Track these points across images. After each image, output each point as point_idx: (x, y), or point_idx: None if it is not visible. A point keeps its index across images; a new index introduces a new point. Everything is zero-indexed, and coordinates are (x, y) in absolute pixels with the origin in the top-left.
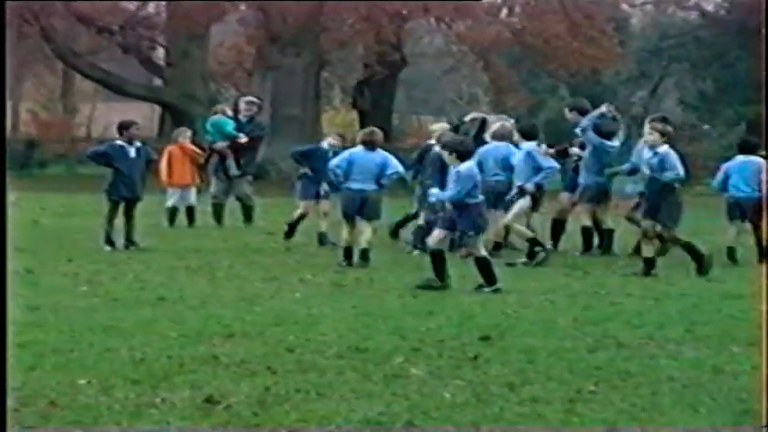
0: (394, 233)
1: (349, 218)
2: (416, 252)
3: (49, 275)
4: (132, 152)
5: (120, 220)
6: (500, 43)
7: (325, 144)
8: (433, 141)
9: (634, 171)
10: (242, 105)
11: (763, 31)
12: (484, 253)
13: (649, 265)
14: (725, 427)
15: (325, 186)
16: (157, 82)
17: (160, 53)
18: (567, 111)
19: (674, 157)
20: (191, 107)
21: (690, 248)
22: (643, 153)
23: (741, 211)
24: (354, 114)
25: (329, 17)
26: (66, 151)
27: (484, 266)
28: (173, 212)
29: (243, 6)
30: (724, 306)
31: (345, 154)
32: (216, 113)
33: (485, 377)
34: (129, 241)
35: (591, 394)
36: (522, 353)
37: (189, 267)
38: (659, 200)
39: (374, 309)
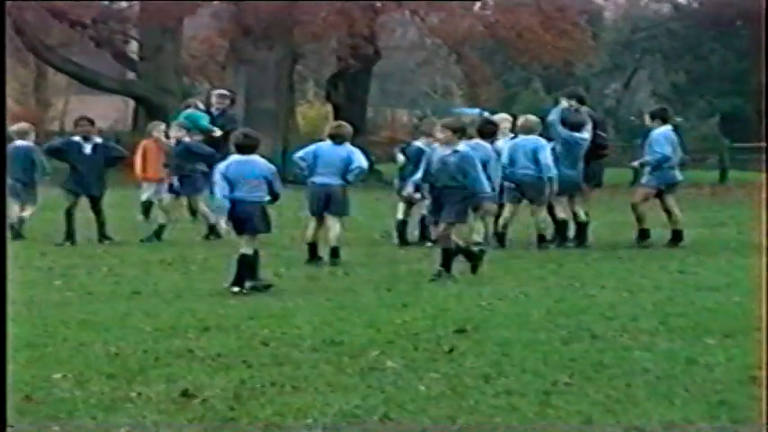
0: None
1: (315, 214)
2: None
3: (23, 269)
4: (88, 149)
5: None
6: (473, 36)
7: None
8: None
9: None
10: (214, 99)
11: (764, 30)
12: (452, 245)
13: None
14: (726, 427)
15: None
16: (131, 75)
17: (133, 46)
18: (563, 99)
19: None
20: (164, 101)
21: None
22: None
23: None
24: (329, 107)
25: (302, 10)
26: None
27: (447, 255)
28: (147, 206)
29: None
30: (698, 298)
31: (312, 147)
32: (188, 107)
33: (460, 369)
34: (103, 236)
35: (566, 386)
36: (497, 345)
37: (163, 261)
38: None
39: (349, 302)
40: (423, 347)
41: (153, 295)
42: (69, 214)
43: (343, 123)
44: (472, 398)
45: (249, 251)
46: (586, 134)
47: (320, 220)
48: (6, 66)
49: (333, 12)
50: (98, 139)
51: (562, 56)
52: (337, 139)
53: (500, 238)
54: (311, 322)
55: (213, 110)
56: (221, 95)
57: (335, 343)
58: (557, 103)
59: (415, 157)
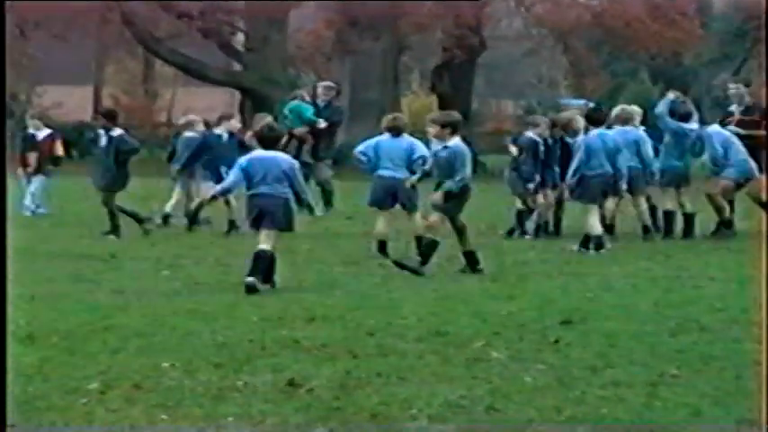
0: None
1: (382, 207)
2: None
3: (132, 260)
4: (103, 140)
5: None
6: (580, 26)
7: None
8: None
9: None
10: (320, 90)
11: (763, 32)
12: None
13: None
14: (726, 427)
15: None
16: (237, 67)
17: (240, 38)
18: (671, 92)
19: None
20: (270, 92)
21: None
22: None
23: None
24: (433, 98)
25: (408, 1)
26: (147, 136)
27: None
28: None
29: None
30: None
31: (371, 141)
32: (294, 99)
33: (566, 361)
34: (110, 232)
35: (673, 378)
36: (604, 337)
37: None
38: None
39: (454, 292)
40: (528, 338)
41: (267, 292)
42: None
43: (399, 115)
44: (578, 389)
45: (268, 247)
46: (695, 125)
47: (387, 214)
48: (112, 57)
49: (439, 2)
50: (116, 132)
51: (670, 46)
52: (394, 131)
53: (608, 229)
54: (416, 313)
55: (319, 101)
56: (327, 87)
57: (441, 333)
58: (663, 95)
59: (529, 148)
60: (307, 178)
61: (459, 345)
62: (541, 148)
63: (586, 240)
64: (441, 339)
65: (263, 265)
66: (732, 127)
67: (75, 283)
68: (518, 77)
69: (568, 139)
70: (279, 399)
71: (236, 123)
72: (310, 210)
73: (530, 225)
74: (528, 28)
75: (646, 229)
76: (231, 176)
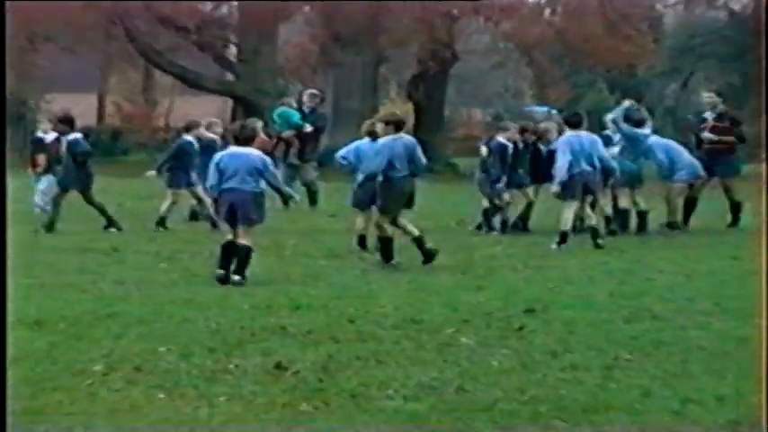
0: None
1: (363, 208)
2: (488, 232)
3: (133, 253)
4: (64, 144)
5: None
6: (543, 41)
7: (188, 136)
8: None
9: None
10: (305, 98)
11: (764, 36)
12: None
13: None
14: (726, 427)
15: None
16: (230, 77)
17: (232, 51)
18: (626, 100)
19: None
20: (260, 100)
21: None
22: None
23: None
24: (409, 106)
25: (387, 17)
26: (146, 140)
27: (386, 243)
28: None
29: (308, 8)
30: (749, 282)
31: (352, 146)
32: (282, 105)
33: (529, 346)
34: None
35: (626, 362)
36: (563, 324)
37: (259, 246)
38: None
39: (427, 284)
40: (495, 326)
41: (250, 277)
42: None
43: (368, 121)
44: (540, 372)
45: (244, 242)
46: (647, 130)
47: (367, 213)
48: (115, 68)
49: (414, 19)
50: (71, 136)
51: (625, 59)
52: (372, 135)
53: (562, 236)
54: (393, 302)
55: (305, 108)
56: (312, 95)
57: (415, 321)
58: (618, 103)
59: (497, 152)
60: (293, 179)
61: (432, 331)
62: (510, 151)
63: (563, 236)
64: (415, 326)
65: (237, 255)
66: (706, 133)
67: (80, 275)
68: (487, 88)
69: (541, 146)
70: (267, 380)
71: (203, 131)
72: (289, 198)
73: (496, 222)
74: (496, 43)
75: (608, 221)
76: (210, 175)
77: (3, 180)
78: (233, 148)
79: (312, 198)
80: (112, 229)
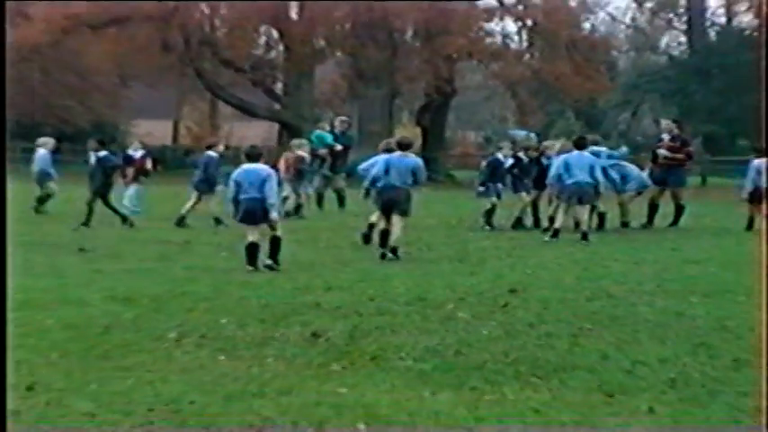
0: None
1: (384, 211)
2: (492, 229)
3: (200, 245)
4: (92, 159)
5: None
6: (523, 79)
7: (212, 152)
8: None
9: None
10: (337, 123)
11: (764, 37)
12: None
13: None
14: (725, 427)
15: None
16: (277, 106)
17: (279, 86)
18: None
19: None
20: (301, 124)
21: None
22: None
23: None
24: (418, 130)
25: (401, 60)
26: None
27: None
28: (286, 200)
29: (339, 52)
30: (685, 268)
31: (370, 160)
32: (319, 129)
33: (512, 319)
34: (83, 224)
35: (588, 331)
36: (539, 302)
37: (299, 240)
38: None
39: (432, 270)
40: (485, 303)
41: (292, 264)
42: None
43: (391, 140)
44: (520, 339)
45: (255, 239)
46: (603, 148)
47: (388, 217)
48: (188, 99)
49: (422, 61)
50: (101, 153)
51: (587, 93)
52: (388, 152)
53: (555, 232)
54: (404, 284)
55: (336, 131)
56: (342, 121)
57: (422, 299)
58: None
59: (491, 165)
60: (326, 186)
61: (435, 307)
62: (504, 164)
63: (556, 232)
64: (422, 303)
65: (254, 252)
66: (662, 150)
67: (159, 261)
68: (479, 115)
69: (544, 160)
70: (305, 345)
71: (221, 147)
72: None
73: (495, 221)
74: (486, 80)
75: (576, 224)
76: (230, 187)
77: (3, 180)
78: (246, 165)
79: (341, 201)
80: (126, 225)
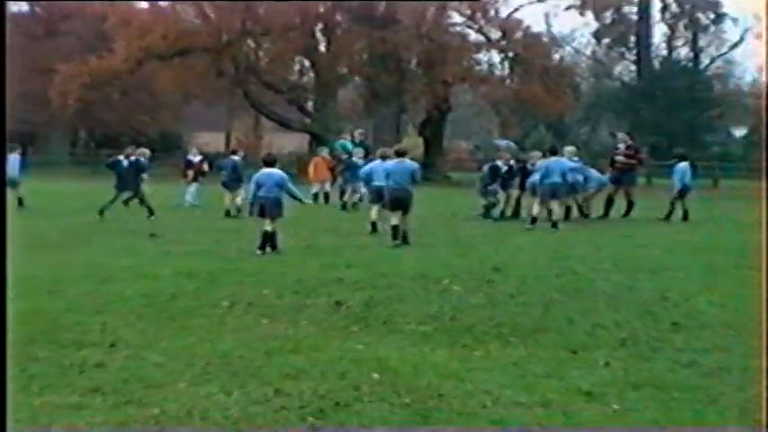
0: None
1: (381, 205)
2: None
3: (248, 232)
4: (125, 163)
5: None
6: (505, 99)
7: (235, 157)
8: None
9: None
10: (356, 134)
11: (764, 38)
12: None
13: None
14: (726, 428)
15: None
16: (308, 121)
17: (309, 104)
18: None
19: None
20: (327, 135)
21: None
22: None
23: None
24: (420, 140)
25: (407, 84)
26: (255, 161)
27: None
28: (316, 196)
29: (357, 78)
30: (636, 251)
31: (369, 165)
32: (341, 138)
33: (496, 291)
34: (150, 214)
35: (557, 301)
36: (517, 278)
37: (324, 228)
38: None
39: (431, 253)
40: (474, 279)
41: (320, 247)
42: (124, 202)
43: (387, 149)
44: (503, 307)
45: (270, 229)
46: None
47: (381, 209)
48: (237, 115)
49: (424, 86)
50: (133, 158)
51: (556, 111)
52: (384, 158)
53: (533, 220)
54: (410, 263)
55: (356, 140)
56: (361, 132)
57: (423, 275)
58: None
59: (492, 170)
60: (347, 184)
61: (434, 282)
62: (502, 169)
63: (534, 220)
64: (423, 279)
65: (269, 239)
66: (620, 156)
67: (215, 245)
68: (469, 128)
69: (529, 166)
70: (330, 312)
71: (242, 153)
72: (301, 201)
73: (494, 213)
74: (475, 100)
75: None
76: (250, 186)
77: (2, 180)
78: (264, 170)
79: (360, 197)
80: (152, 217)
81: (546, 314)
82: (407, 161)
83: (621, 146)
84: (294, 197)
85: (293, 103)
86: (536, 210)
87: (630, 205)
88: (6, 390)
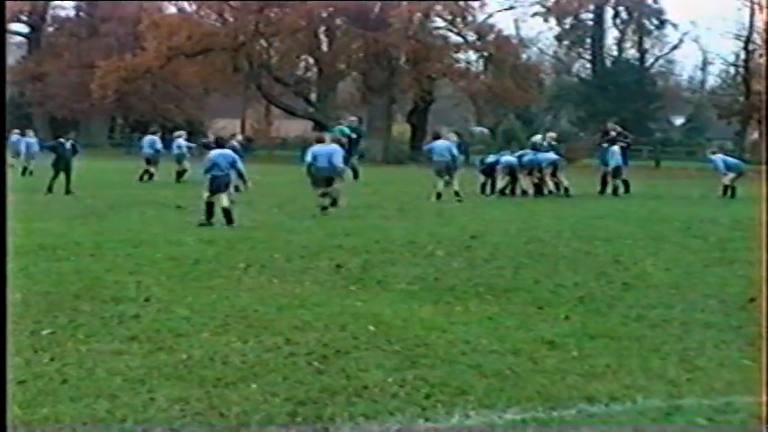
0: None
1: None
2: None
3: (259, 204)
4: (68, 145)
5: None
6: (480, 92)
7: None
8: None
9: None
10: (353, 119)
11: (765, 48)
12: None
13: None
14: (725, 427)
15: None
16: (311, 109)
17: (313, 95)
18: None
19: None
20: (328, 122)
21: None
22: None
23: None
24: (407, 126)
25: (397, 78)
26: (266, 144)
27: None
28: None
29: (354, 73)
30: (593, 222)
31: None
32: (340, 124)
33: (473, 256)
34: (68, 191)
35: (526, 264)
36: (492, 245)
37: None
38: None
39: (418, 223)
40: (455, 245)
41: (325, 220)
42: (50, 183)
43: (320, 135)
44: (479, 269)
45: (226, 203)
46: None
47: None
48: (250, 104)
49: (412, 80)
50: (72, 140)
51: (524, 102)
52: (321, 142)
53: (502, 192)
54: (399, 232)
55: (352, 125)
56: (358, 119)
57: (411, 242)
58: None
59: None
60: (346, 162)
61: (421, 248)
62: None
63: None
64: (411, 245)
65: (212, 211)
66: (620, 143)
67: None
68: (450, 116)
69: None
70: (332, 273)
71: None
72: (245, 181)
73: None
74: (455, 92)
75: (524, 192)
76: (205, 165)
77: (3, 180)
78: (216, 151)
79: (355, 175)
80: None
81: (516, 276)
82: (331, 145)
83: (613, 133)
84: (241, 176)
85: (299, 95)
86: (501, 183)
87: (627, 184)
88: (6, 390)
